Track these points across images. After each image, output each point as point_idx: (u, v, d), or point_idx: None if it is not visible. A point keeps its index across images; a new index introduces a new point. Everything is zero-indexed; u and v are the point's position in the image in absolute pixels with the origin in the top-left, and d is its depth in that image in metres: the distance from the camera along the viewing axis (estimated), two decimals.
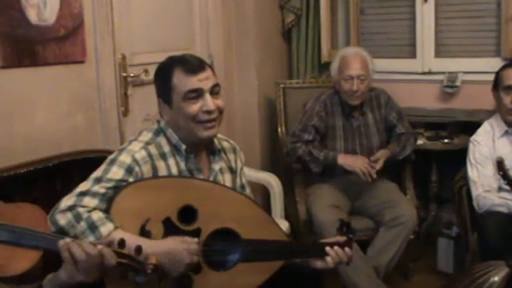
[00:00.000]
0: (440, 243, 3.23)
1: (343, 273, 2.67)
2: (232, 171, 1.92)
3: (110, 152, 1.83)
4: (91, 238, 1.51)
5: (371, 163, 2.83)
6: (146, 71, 2.56)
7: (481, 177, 2.60)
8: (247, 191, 1.97)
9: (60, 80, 2.21)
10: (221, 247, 1.67)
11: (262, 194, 3.22)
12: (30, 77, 2.08)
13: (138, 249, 1.40)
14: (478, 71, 3.40)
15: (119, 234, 1.50)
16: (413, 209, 2.85)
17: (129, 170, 1.66)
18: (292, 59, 3.78)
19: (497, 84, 2.69)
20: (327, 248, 1.77)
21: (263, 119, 3.56)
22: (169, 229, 1.59)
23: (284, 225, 2.91)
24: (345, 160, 2.86)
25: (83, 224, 1.54)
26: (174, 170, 1.74)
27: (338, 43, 3.85)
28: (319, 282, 1.91)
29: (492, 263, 2.16)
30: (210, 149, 1.85)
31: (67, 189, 1.64)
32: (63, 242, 1.34)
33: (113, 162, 1.67)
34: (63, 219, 1.55)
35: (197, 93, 1.71)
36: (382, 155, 2.89)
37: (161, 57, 1.83)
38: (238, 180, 1.94)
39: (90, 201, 1.58)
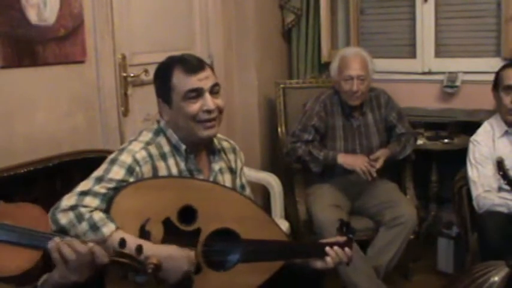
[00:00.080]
0: (440, 243, 3.23)
1: (343, 273, 2.67)
2: (232, 171, 1.92)
3: (110, 152, 1.83)
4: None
5: (371, 162, 2.83)
6: (146, 71, 2.56)
7: (481, 177, 2.60)
8: (247, 191, 1.97)
9: (60, 80, 2.21)
10: (221, 247, 1.67)
11: (262, 194, 3.22)
12: (30, 77, 2.08)
13: (139, 248, 1.39)
14: (478, 71, 3.40)
15: (120, 235, 1.50)
16: (413, 209, 2.85)
17: (130, 170, 1.66)
18: (292, 59, 3.78)
19: (497, 84, 2.69)
20: (327, 248, 1.77)
21: (263, 119, 3.56)
22: (169, 229, 1.59)
23: (284, 225, 2.91)
24: (344, 159, 2.86)
25: (84, 225, 1.54)
26: (174, 170, 1.75)
27: (338, 43, 3.85)
28: (319, 283, 1.92)
29: (492, 263, 2.16)
30: (210, 149, 1.85)
31: (67, 189, 1.64)
32: (53, 243, 1.33)
33: (113, 162, 1.67)
34: (64, 219, 1.55)
35: (197, 93, 1.71)
36: (382, 154, 2.89)
37: (161, 57, 1.83)
38: (238, 180, 1.94)
39: (91, 201, 1.58)
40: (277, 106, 3.44)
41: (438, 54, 3.63)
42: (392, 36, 3.80)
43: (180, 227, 1.61)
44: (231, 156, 1.93)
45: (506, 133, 2.67)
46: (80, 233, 1.53)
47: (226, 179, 1.88)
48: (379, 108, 3.04)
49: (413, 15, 3.65)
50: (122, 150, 1.71)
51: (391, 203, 2.83)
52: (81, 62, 2.30)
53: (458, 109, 3.50)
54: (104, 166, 1.67)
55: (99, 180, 1.63)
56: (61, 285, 1.37)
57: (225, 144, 1.93)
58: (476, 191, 2.58)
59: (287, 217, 3.10)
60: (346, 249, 1.79)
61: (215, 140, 1.86)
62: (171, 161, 1.75)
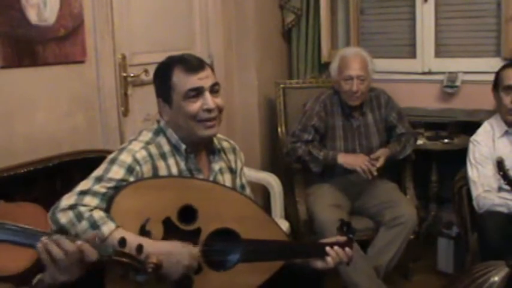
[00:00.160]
0: (440, 243, 3.23)
1: (344, 273, 2.67)
2: (232, 171, 1.92)
3: (109, 152, 1.83)
4: None
5: (371, 161, 2.83)
6: (146, 71, 2.56)
7: (481, 177, 2.60)
8: (247, 191, 1.97)
9: (60, 80, 2.21)
10: (221, 247, 1.67)
11: (262, 194, 3.22)
12: (30, 77, 2.08)
13: (139, 248, 1.39)
14: (478, 71, 3.40)
15: (120, 234, 1.50)
16: (413, 209, 2.85)
17: (130, 170, 1.65)
18: (292, 59, 3.78)
19: (497, 84, 2.69)
20: (327, 248, 1.77)
21: (263, 119, 3.56)
22: (170, 229, 1.59)
23: (284, 225, 2.91)
24: (345, 159, 2.86)
25: (84, 223, 1.53)
26: (174, 170, 1.75)
27: (338, 43, 3.85)
28: (319, 282, 1.91)
29: (492, 263, 2.16)
30: (210, 148, 1.85)
31: (67, 189, 1.64)
32: (40, 244, 1.31)
33: (113, 161, 1.67)
34: (64, 218, 1.54)
35: (197, 92, 1.71)
36: (382, 153, 2.89)
37: (161, 57, 1.83)
38: (238, 180, 1.94)
39: (91, 201, 1.58)
40: (277, 106, 3.44)
41: (438, 54, 3.63)
42: (393, 36, 3.80)
43: (180, 227, 1.61)
44: (231, 156, 1.93)
45: (506, 133, 2.67)
46: (80, 232, 1.53)
47: (226, 179, 1.88)
48: (379, 108, 3.04)
49: (413, 15, 3.65)
50: (121, 150, 1.71)
51: (391, 203, 2.83)
52: (81, 62, 2.30)
53: (458, 109, 3.49)
54: (103, 166, 1.67)
55: (99, 179, 1.63)
56: (52, 286, 1.35)
57: (225, 144, 1.93)
58: (476, 191, 2.58)
59: (287, 217, 3.10)
60: (347, 249, 1.80)
61: (215, 140, 1.86)
62: (171, 161, 1.75)
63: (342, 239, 1.81)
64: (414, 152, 3.10)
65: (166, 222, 1.59)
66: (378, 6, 3.80)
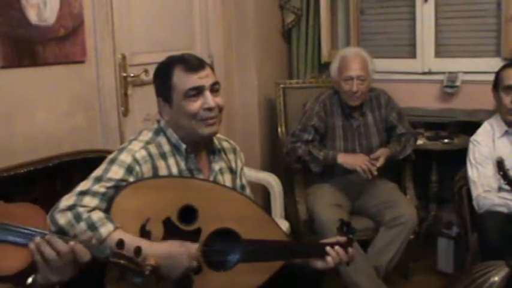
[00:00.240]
0: (440, 243, 3.23)
1: (344, 273, 2.67)
2: (232, 171, 1.92)
3: (109, 152, 1.83)
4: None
5: (371, 161, 2.83)
6: (146, 71, 2.56)
7: (481, 177, 2.60)
8: (247, 191, 1.97)
9: (60, 80, 2.21)
10: (221, 247, 1.66)
11: (262, 194, 3.22)
12: (30, 77, 2.08)
13: (137, 250, 1.39)
14: (478, 71, 3.40)
15: (118, 235, 1.50)
16: (413, 209, 2.85)
17: (130, 170, 1.65)
18: (292, 59, 3.78)
19: (497, 84, 2.69)
20: (328, 248, 1.77)
21: (263, 119, 3.56)
22: (170, 229, 1.59)
23: (284, 225, 2.91)
24: (345, 159, 2.86)
25: (82, 225, 1.53)
26: (174, 170, 1.75)
27: (338, 43, 3.85)
28: (319, 282, 1.91)
29: (492, 263, 2.16)
30: (210, 148, 1.85)
31: (67, 189, 1.64)
32: (33, 244, 1.31)
33: (113, 161, 1.67)
34: (62, 219, 1.54)
35: (198, 91, 1.71)
36: (382, 153, 2.89)
37: (161, 57, 1.83)
38: (238, 180, 1.94)
39: (90, 201, 1.58)
40: (277, 106, 3.44)
41: (438, 54, 3.63)
42: (393, 36, 3.80)
43: (180, 227, 1.61)
44: (231, 156, 1.93)
45: (506, 133, 2.67)
46: (79, 233, 1.52)
47: (227, 179, 1.88)
48: (379, 108, 3.04)
49: (413, 15, 3.65)
50: (121, 150, 1.71)
51: (391, 203, 2.83)
52: (81, 62, 2.30)
53: (458, 109, 3.49)
54: (103, 166, 1.67)
55: (98, 179, 1.62)
56: (45, 286, 1.35)
57: (225, 144, 1.93)
58: (476, 191, 2.58)
59: (287, 217, 3.10)
60: (348, 249, 1.80)
61: (215, 140, 1.86)
62: (171, 161, 1.75)
63: (342, 239, 1.81)
64: (414, 152, 3.10)
65: (167, 223, 1.59)
66: (378, 6, 3.80)
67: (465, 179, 2.69)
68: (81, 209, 1.55)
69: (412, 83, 3.66)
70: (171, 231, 1.59)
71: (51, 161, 1.97)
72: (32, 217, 1.40)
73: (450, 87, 3.49)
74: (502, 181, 2.45)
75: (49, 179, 1.95)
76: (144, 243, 1.48)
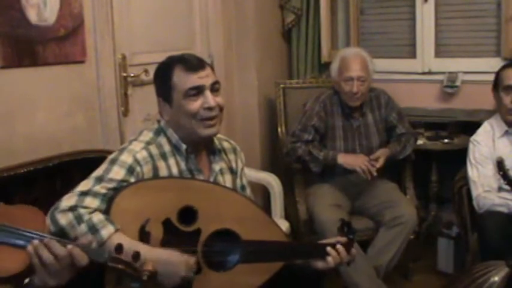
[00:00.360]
0: (440, 243, 3.23)
1: (344, 273, 2.68)
2: (233, 171, 1.92)
3: (109, 152, 1.83)
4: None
5: (371, 161, 2.83)
6: (146, 71, 2.56)
7: (481, 177, 2.60)
8: (248, 191, 1.97)
9: (60, 80, 2.21)
10: (221, 248, 1.66)
11: (262, 194, 3.22)
12: (30, 77, 2.08)
13: (136, 255, 1.38)
14: (478, 71, 3.40)
15: (119, 238, 1.50)
16: (413, 209, 2.85)
17: (131, 170, 1.65)
18: (292, 59, 3.77)
19: (497, 84, 2.69)
20: (328, 249, 1.77)
21: (263, 119, 3.56)
22: (169, 230, 1.59)
23: (284, 225, 2.91)
24: (345, 159, 2.86)
25: (83, 226, 1.53)
26: (175, 170, 1.74)
27: (338, 43, 3.85)
28: (319, 282, 1.91)
29: (492, 263, 2.16)
30: (210, 149, 1.85)
31: (67, 189, 1.64)
32: (31, 247, 1.31)
33: (114, 161, 1.67)
34: (63, 219, 1.54)
35: (198, 91, 1.71)
36: (382, 153, 2.89)
37: (161, 57, 1.83)
38: (238, 180, 1.94)
39: (91, 202, 1.58)
40: (277, 106, 3.44)
41: (438, 54, 3.63)
42: (393, 36, 3.79)
43: (180, 228, 1.61)
44: (232, 157, 1.93)
45: (506, 133, 2.67)
46: (79, 234, 1.52)
47: (227, 180, 1.87)
48: (379, 108, 3.04)
49: (413, 15, 3.65)
50: (122, 150, 1.71)
51: (391, 203, 2.83)
52: (81, 62, 2.30)
53: (458, 109, 3.49)
54: (104, 166, 1.67)
55: (99, 180, 1.62)
56: None
57: (226, 144, 1.93)
58: (476, 191, 2.58)
59: (287, 217, 3.10)
60: (349, 249, 1.79)
61: (215, 140, 1.86)
62: (171, 161, 1.75)
63: (342, 239, 1.81)
64: (414, 152, 3.10)
65: (166, 223, 1.59)
66: (378, 6, 3.80)
67: (465, 179, 2.69)
68: (82, 210, 1.55)
69: (412, 83, 3.65)
70: (170, 232, 1.59)
71: (51, 161, 1.97)
72: (31, 219, 1.40)
73: (450, 87, 3.49)
74: (502, 181, 2.45)
75: (49, 179, 1.95)
76: (144, 248, 1.48)
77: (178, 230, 1.60)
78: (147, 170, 1.69)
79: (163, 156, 1.74)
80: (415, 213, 2.83)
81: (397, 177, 3.16)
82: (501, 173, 2.38)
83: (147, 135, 1.77)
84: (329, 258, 1.76)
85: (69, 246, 1.33)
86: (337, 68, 2.96)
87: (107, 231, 1.52)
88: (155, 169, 1.71)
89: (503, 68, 2.72)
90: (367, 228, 2.86)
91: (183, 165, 1.76)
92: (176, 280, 1.52)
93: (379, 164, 2.83)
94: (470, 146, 2.70)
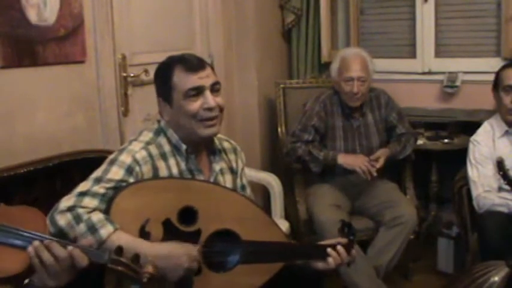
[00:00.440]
0: (440, 243, 3.23)
1: (344, 273, 2.67)
2: (233, 171, 1.91)
3: (110, 152, 1.83)
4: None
5: (371, 161, 2.83)
6: (146, 71, 2.56)
7: (481, 177, 2.60)
8: (248, 191, 1.97)
9: (60, 80, 2.21)
10: (221, 248, 1.66)
11: (262, 194, 3.22)
12: (30, 77, 2.08)
13: (136, 258, 1.38)
14: (478, 71, 3.40)
15: (118, 237, 1.50)
16: (413, 209, 2.85)
17: (130, 170, 1.65)
18: (292, 59, 3.77)
19: (497, 84, 2.69)
20: (329, 250, 1.77)
21: (263, 119, 3.56)
22: (169, 230, 1.59)
23: (284, 225, 2.91)
24: (345, 159, 2.86)
25: (82, 226, 1.53)
26: (175, 170, 1.74)
27: (338, 43, 3.85)
28: (319, 283, 1.91)
29: (492, 263, 2.16)
30: (211, 149, 1.85)
31: (67, 189, 1.64)
32: (31, 248, 1.31)
33: (113, 162, 1.67)
34: (62, 220, 1.54)
35: (198, 91, 1.71)
36: (382, 153, 2.89)
37: (161, 57, 1.83)
38: (238, 180, 1.93)
39: (90, 202, 1.57)
40: (277, 106, 3.44)
41: (438, 54, 3.63)
42: (393, 36, 3.79)
43: (180, 228, 1.61)
44: (232, 157, 1.93)
45: (506, 133, 2.67)
46: (78, 234, 1.52)
47: (227, 180, 1.87)
48: (379, 108, 3.04)
49: (413, 15, 3.64)
50: (121, 151, 1.71)
51: (391, 203, 2.83)
52: (81, 62, 2.30)
53: (458, 109, 3.49)
54: (103, 167, 1.67)
55: (98, 180, 1.62)
56: None
57: (226, 144, 1.93)
58: (476, 191, 2.58)
59: (287, 217, 3.10)
60: (350, 250, 1.79)
61: (216, 140, 1.86)
62: (171, 161, 1.75)
63: (342, 240, 1.81)
64: (414, 152, 3.10)
65: (166, 224, 1.59)
66: (378, 6, 3.80)
67: (465, 179, 2.69)
68: (81, 210, 1.55)
69: (412, 83, 3.65)
70: (170, 232, 1.59)
71: (51, 161, 1.97)
72: (32, 220, 1.40)
73: (450, 87, 3.49)
74: (502, 181, 2.45)
75: (49, 179, 1.95)
76: (144, 244, 1.48)
77: (179, 230, 1.60)
78: (146, 170, 1.68)
79: (163, 156, 1.74)
80: (415, 213, 2.83)
81: (397, 177, 3.16)
82: (501, 173, 2.38)
83: (147, 136, 1.77)
84: (329, 259, 1.76)
85: (70, 248, 1.33)
86: (337, 68, 2.96)
87: (106, 230, 1.52)
88: (155, 169, 1.71)
89: (503, 68, 2.72)
90: (367, 228, 2.86)
91: (183, 165, 1.76)
92: (180, 272, 1.52)
93: (379, 164, 2.83)
94: (470, 146, 2.70)
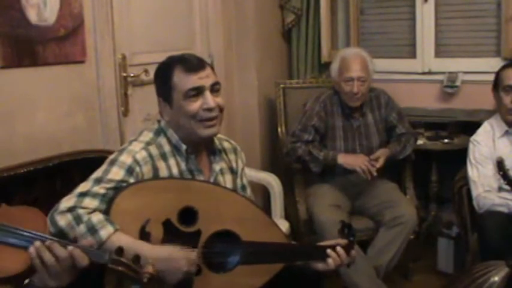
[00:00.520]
0: (440, 243, 3.23)
1: (344, 274, 2.67)
2: (233, 171, 1.91)
3: (110, 152, 1.83)
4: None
5: (371, 161, 2.83)
6: (146, 71, 2.56)
7: (481, 177, 2.60)
8: (248, 191, 1.97)
9: (60, 80, 2.21)
10: (221, 249, 1.66)
11: (262, 194, 3.22)
12: (30, 77, 2.08)
13: (136, 258, 1.38)
14: (478, 71, 3.40)
15: (118, 238, 1.50)
16: (413, 209, 2.85)
17: (130, 171, 1.65)
18: (292, 59, 3.77)
19: (497, 84, 2.69)
20: (329, 251, 1.77)
21: (263, 119, 3.56)
22: (169, 231, 1.59)
23: (284, 225, 2.91)
24: (344, 159, 2.86)
25: (82, 227, 1.53)
26: (175, 171, 1.74)
27: (338, 43, 3.85)
28: (319, 283, 1.91)
29: (492, 263, 2.16)
30: (211, 149, 1.85)
31: (67, 189, 1.64)
32: (33, 248, 1.31)
33: (113, 162, 1.67)
34: (62, 220, 1.54)
35: (198, 91, 1.71)
36: (382, 153, 2.89)
37: (161, 57, 1.83)
38: (239, 180, 1.93)
39: (90, 203, 1.58)
40: (277, 106, 3.44)
41: (438, 54, 3.63)
42: (393, 36, 3.79)
43: (180, 228, 1.61)
44: (232, 157, 1.93)
45: (506, 133, 2.67)
46: (79, 235, 1.52)
47: (227, 180, 1.87)
48: (379, 108, 3.04)
49: (413, 15, 3.64)
50: (122, 151, 1.71)
51: (391, 203, 2.83)
52: (81, 62, 2.30)
53: (458, 109, 3.49)
54: (103, 167, 1.67)
55: (98, 181, 1.62)
56: None
57: (226, 144, 1.93)
58: (476, 190, 2.58)
59: (287, 217, 3.10)
60: (349, 251, 1.79)
61: (216, 140, 1.86)
62: (171, 161, 1.75)
63: (342, 241, 1.81)
64: (414, 152, 3.10)
65: (166, 224, 1.59)
66: (378, 6, 3.80)
67: (465, 179, 2.69)
68: (81, 211, 1.55)
69: (412, 83, 3.65)
70: (170, 233, 1.59)
71: (51, 161, 1.97)
72: (32, 220, 1.40)
73: (450, 87, 3.49)
74: (502, 181, 2.45)
75: (49, 179, 1.95)
76: (144, 246, 1.48)
77: (179, 231, 1.60)
78: (146, 170, 1.68)
79: (164, 156, 1.74)
80: (415, 213, 2.83)
81: (397, 177, 3.16)
82: (501, 173, 2.38)
83: (147, 136, 1.77)
84: (329, 260, 1.76)
85: (70, 248, 1.33)
86: (337, 68, 2.96)
87: (106, 231, 1.52)
88: (155, 169, 1.71)
89: (503, 68, 2.72)
90: (367, 228, 2.86)
91: (183, 165, 1.76)
92: (178, 276, 1.52)
93: (379, 164, 2.83)
94: (470, 146, 2.70)
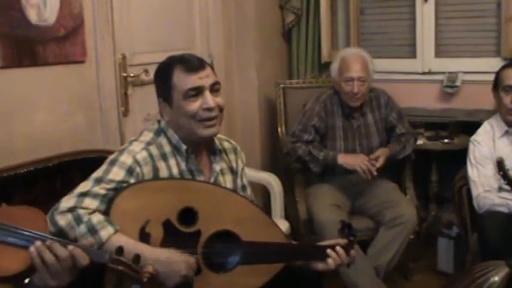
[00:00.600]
0: (440, 243, 3.23)
1: (344, 273, 2.67)
2: (233, 171, 1.91)
3: (110, 152, 1.83)
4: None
5: (371, 161, 2.83)
6: (146, 71, 2.56)
7: (481, 177, 2.60)
8: (248, 191, 1.97)
9: (60, 80, 2.21)
10: (221, 249, 1.66)
11: (262, 194, 3.22)
12: (30, 77, 2.08)
13: (137, 258, 1.39)
14: (478, 71, 3.40)
15: (118, 238, 1.50)
16: (413, 209, 2.85)
17: (130, 171, 1.65)
18: (292, 59, 3.77)
19: (497, 84, 2.69)
20: (328, 251, 1.77)
21: (263, 119, 3.56)
22: (169, 231, 1.59)
23: (284, 225, 2.91)
24: (344, 159, 2.86)
25: (83, 227, 1.53)
26: (175, 171, 1.74)
27: (338, 43, 3.85)
28: (319, 283, 1.91)
29: (492, 263, 2.17)
30: (211, 149, 1.85)
31: (67, 189, 1.64)
32: (33, 248, 1.32)
33: (113, 162, 1.67)
34: (62, 220, 1.54)
35: (197, 91, 1.71)
36: (382, 153, 2.89)
37: (161, 57, 1.83)
38: (239, 180, 1.93)
39: (90, 203, 1.58)
40: (277, 106, 3.44)
41: (438, 54, 3.63)
42: (393, 36, 3.80)
43: (180, 229, 1.61)
44: (232, 157, 1.93)
45: (506, 133, 2.67)
46: (79, 235, 1.52)
47: (227, 180, 1.87)
48: (379, 108, 3.04)
49: (413, 15, 3.65)
50: (122, 151, 1.71)
51: (391, 203, 2.83)
52: (81, 62, 2.30)
53: (458, 109, 3.50)
54: (103, 167, 1.67)
55: (99, 181, 1.62)
56: None
57: (226, 144, 1.93)
58: (477, 190, 2.58)
59: (287, 217, 3.10)
60: (349, 251, 1.79)
61: (216, 140, 1.86)
62: (172, 161, 1.75)
63: (342, 241, 1.81)
64: (414, 152, 3.10)
65: (166, 224, 1.59)
66: (378, 6, 3.81)
67: (465, 179, 2.69)
68: (81, 211, 1.55)
69: (412, 83, 3.66)
70: (170, 233, 1.59)
71: (51, 161, 1.97)
72: (32, 220, 1.40)
73: (450, 87, 3.49)
74: (502, 181, 2.44)
75: (49, 179, 1.95)
76: (144, 248, 1.48)
77: (179, 231, 1.60)
78: (147, 171, 1.68)
79: (164, 156, 1.74)
80: (415, 213, 2.83)
81: (397, 177, 3.16)
82: (501, 173, 2.37)
83: (148, 136, 1.77)
84: (329, 260, 1.76)
85: (70, 247, 1.33)
86: (338, 68, 2.96)
87: (106, 232, 1.52)
88: (155, 170, 1.71)
89: (503, 68, 2.72)
90: (367, 228, 2.86)
91: (183, 165, 1.76)
92: (177, 279, 1.52)
93: (379, 164, 2.83)
94: (471, 146, 2.70)
